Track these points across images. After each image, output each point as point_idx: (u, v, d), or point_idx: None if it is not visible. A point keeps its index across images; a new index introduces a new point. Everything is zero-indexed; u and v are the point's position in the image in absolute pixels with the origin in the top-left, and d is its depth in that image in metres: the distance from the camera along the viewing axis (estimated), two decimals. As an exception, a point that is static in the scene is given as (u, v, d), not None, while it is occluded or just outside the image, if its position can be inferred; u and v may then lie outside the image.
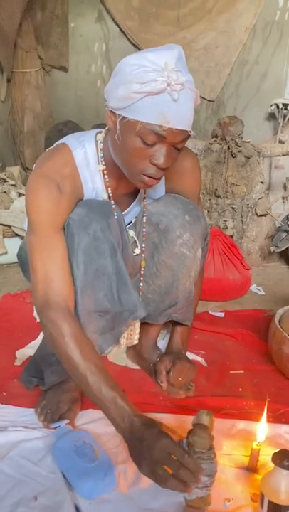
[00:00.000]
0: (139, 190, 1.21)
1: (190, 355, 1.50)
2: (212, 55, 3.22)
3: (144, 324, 1.35)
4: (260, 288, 2.22)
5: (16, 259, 2.34)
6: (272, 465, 0.88)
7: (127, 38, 3.33)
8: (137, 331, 1.29)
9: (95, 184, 1.11)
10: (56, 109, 3.53)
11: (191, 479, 0.83)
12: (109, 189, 1.13)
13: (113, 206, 1.14)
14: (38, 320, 1.67)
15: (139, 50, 3.32)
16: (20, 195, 2.55)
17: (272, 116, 3.05)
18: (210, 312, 1.92)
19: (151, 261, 1.27)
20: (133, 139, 0.95)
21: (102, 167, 1.09)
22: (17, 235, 2.32)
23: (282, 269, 2.54)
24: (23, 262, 1.27)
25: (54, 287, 1.01)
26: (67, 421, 1.16)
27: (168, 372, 1.32)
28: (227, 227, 2.50)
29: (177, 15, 3.22)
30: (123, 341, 1.28)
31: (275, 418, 1.21)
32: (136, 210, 1.24)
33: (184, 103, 0.92)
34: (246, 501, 0.98)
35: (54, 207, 1.03)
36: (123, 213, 1.20)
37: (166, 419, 1.21)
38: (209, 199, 2.55)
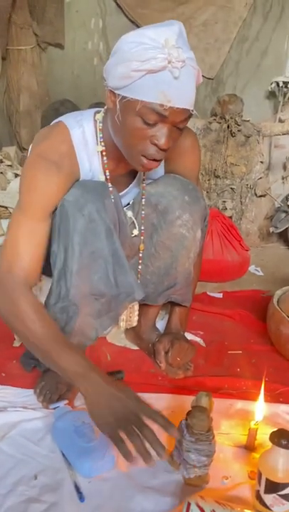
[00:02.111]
0: (137, 171, 1.19)
1: (188, 336, 1.50)
2: (211, 31, 3.15)
3: (142, 305, 1.34)
4: (258, 269, 2.22)
5: (13, 241, 2.34)
6: (269, 444, 0.89)
7: (124, 13, 3.25)
8: (136, 312, 1.28)
9: (92, 165, 1.09)
10: (53, 88, 3.47)
11: (147, 458, 0.81)
12: (107, 171, 1.11)
13: (110, 189, 1.13)
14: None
15: (137, 26, 3.24)
16: (16, 175, 2.52)
17: (272, 95, 3.00)
18: (208, 293, 1.92)
19: (150, 242, 1.25)
20: (133, 118, 0.93)
21: (101, 148, 1.07)
22: (14, 216, 2.30)
23: (281, 249, 2.54)
24: None
25: (20, 263, 1.00)
26: (66, 401, 1.17)
27: (166, 353, 1.32)
28: (226, 208, 2.48)
29: (176, -11, 3.14)
30: (122, 323, 1.27)
31: (273, 398, 1.22)
32: (134, 192, 1.22)
33: (185, 81, 0.90)
34: (244, 479, 0.99)
35: (50, 190, 1.02)
36: (121, 194, 1.18)
37: (165, 399, 1.22)
38: (208, 179, 2.52)
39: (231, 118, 2.44)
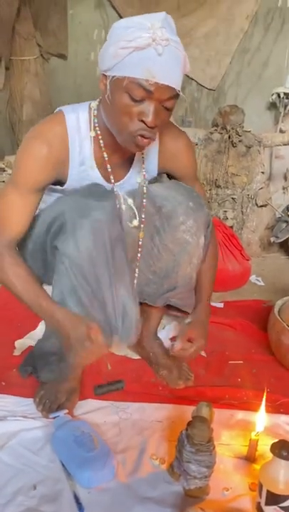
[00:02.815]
0: (133, 162, 1.20)
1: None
2: (213, 43, 3.18)
3: (144, 314, 1.34)
4: (259, 278, 2.22)
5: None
6: (270, 455, 0.89)
7: (127, 25, 3.29)
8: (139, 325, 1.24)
9: (82, 149, 1.12)
10: (55, 97, 3.49)
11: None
12: (105, 155, 1.13)
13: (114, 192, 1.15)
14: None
15: (139, 37, 3.29)
16: (19, 184, 2.53)
17: (273, 106, 3.01)
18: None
19: (152, 242, 1.24)
20: (121, 95, 0.98)
21: (94, 133, 1.11)
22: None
23: (281, 259, 2.54)
24: None
25: (6, 230, 1.10)
26: (66, 411, 1.17)
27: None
28: (227, 218, 2.49)
29: (177, 1, 3.17)
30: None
31: (274, 408, 1.22)
32: (132, 181, 1.22)
33: (169, 59, 0.95)
34: (245, 491, 0.98)
35: (38, 168, 1.07)
36: (118, 183, 1.19)
37: (165, 409, 1.22)
38: (209, 189, 2.53)
39: (232, 128, 2.45)
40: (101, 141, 1.12)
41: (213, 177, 2.51)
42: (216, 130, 2.54)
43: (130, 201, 1.21)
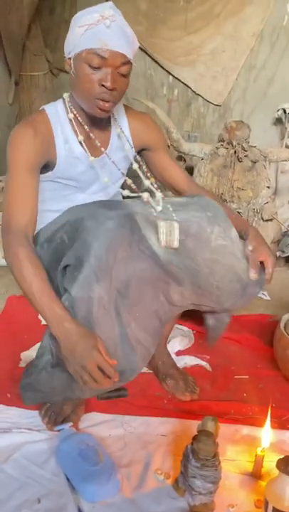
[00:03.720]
0: (111, 134, 1.32)
1: (194, 360, 1.50)
2: (219, 60, 3.22)
3: None
4: (265, 293, 2.21)
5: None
6: (276, 471, 0.88)
7: (135, 42, 3.34)
8: (177, 231, 1.23)
9: (64, 129, 1.26)
10: (63, 112, 3.55)
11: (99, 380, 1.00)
12: (86, 127, 1.25)
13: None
14: (43, 322, 1.68)
15: (147, 54, 3.33)
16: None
17: (279, 121, 3.04)
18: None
19: (194, 263, 1.26)
20: (82, 66, 1.14)
21: (71, 115, 1.25)
22: (23, 237, 2.32)
23: (288, 274, 2.53)
24: None
25: (16, 216, 1.16)
26: (70, 424, 1.16)
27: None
28: (233, 232, 2.49)
29: (185, 19, 3.23)
30: (163, 238, 1.21)
31: (280, 424, 1.21)
32: (117, 145, 1.34)
33: (117, 31, 1.13)
34: (250, 507, 0.97)
35: (27, 147, 1.18)
36: (107, 151, 1.30)
37: (170, 423, 1.22)
38: (215, 203, 2.54)
39: (238, 144, 2.47)
40: (79, 118, 1.25)
41: (218, 191, 2.52)
42: (222, 145, 2.55)
43: (135, 165, 1.31)
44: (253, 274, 1.25)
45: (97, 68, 1.14)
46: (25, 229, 1.17)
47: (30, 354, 1.51)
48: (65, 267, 1.15)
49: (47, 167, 1.25)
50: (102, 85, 1.15)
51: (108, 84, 1.14)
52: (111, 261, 1.10)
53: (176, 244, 1.22)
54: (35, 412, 1.23)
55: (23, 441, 1.11)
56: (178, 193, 1.47)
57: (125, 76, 1.18)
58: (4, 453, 1.08)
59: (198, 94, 3.35)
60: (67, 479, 1.01)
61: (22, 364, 1.46)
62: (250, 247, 1.28)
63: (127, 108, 1.38)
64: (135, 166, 1.31)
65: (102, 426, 1.19)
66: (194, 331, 1.71)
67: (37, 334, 1.62)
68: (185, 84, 3.33)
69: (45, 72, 3.41)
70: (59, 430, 1.14)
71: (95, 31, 1.12)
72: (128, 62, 1.16)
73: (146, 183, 1.30)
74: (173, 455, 1.11)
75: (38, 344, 1.55)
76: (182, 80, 3.31)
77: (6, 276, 2.26)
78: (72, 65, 1.17)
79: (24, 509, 0.94)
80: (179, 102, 3.43)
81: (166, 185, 1.49)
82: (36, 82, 3.39)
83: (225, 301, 1.30)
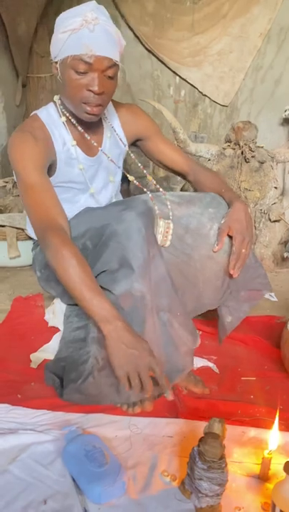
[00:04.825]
0: (104, 132, 1.35)
1: (201, 361, 1.49)
2: (226, 60, 3.22)
3: None
4: (272, 294, 2.20)
5: (29, 262, 2.37)
6: (283, 474, 0.87)
7: (142, 43, 3.35)
8: (171, 231, 1.27)
9: (60, 132, 1.27)
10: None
11: (143, 391, 1.03)
12: (80, 128, 1.27)
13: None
14: (49, 324, 1.69)
15: (153, 55, 3.34)
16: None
17: (286, 122, 3.03)
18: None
19: (191, 259, 1.28)
20: (69, 72, 1.15)
21: (64, 118, 1.27)
22: (30, 238, 2.33)
23: (295, 275, 2.52)
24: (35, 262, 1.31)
25: (51, 216, 1.16)
26: (77, 425, 1.16)
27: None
28: (240, 233, 2.48)
29: (191, 20, 3.23)
30: (159, 237, 1.26)
31: (287, 426, 1.20)
32: (111, 141, 1.36)
33: (101, 34, 1.12)
34: (257, 510, 0.97)
35: (32, 149, 1.19)
36: (102, 149, 1.32)
37: (176, 424, 1.21)
38: (222, 204, 2.53)
39: (245, 144, 2.47)
40: (73, 120, 1.26)
41: (226, 192, 2.51)
42: (229, 146, 2.55)
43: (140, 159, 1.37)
44: (217, 247, 1.24)
45: (83, 73, 1.14)
46: (64, 225, 1.16)
47: (39, 356, 1.51)
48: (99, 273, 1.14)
49: (49, 171, 1.26)
50: (90, 90, 1.15)
51: (95, 88, 1.14)
52: (147, 259, 1.10)
53: (167, 244, 1.27)
54: (42, 411, 1.23)
55: (30, 442, 1.11)
56: (181, 175, 1.48)
57: (112, 78, 1.18)
58: (11, 454, 1.08)
59: (205, 95, 3.35)
60: (74, 480, 1.01)
61: (33, 365, 1.47)
62: (222, 221, 1.27)
63: (115, 103, 1.39)
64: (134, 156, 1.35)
65: (109, 427, 1.19)
66: (200, 332, 1.70)
67: (44, 335, 1.63)
68: (192, 85, 3.34)
69: (52, 73, 3.42)
70: (66, 431, 1.14)
71: (79, 36, 1.11)
72: (114, 65, 1.16)
73: (131, 178, 1.32)
74: (179, 457, 1.10)
75: (46, 345, 1.57)
76: (189, 81, 3.31)
77: (12, 277, 2.28)
78: (58, 70, 1.18)
79: (30, 510, 0.94)
80: (185, 103, 3.43)
81: (168, 171, 1.50)
82: (43, 84, 3.40)
83: (206, 297, 1.32)
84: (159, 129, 1.48)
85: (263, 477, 1.05)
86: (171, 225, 1.26)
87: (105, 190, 1.39)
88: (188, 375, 1.37)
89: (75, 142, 1.27)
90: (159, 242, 1.23)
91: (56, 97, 1.30)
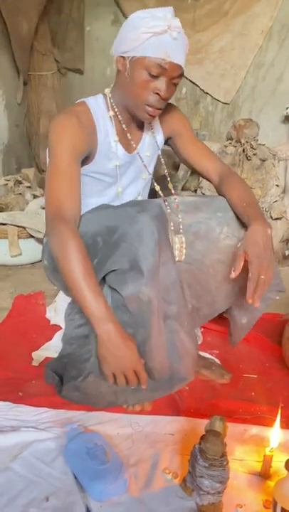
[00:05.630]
0: (143, 131, 1.36)
1: (204, 355, 1.50)
2: (228, 58, 3.21)
3: None
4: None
5: (30, 261, 2.37)
6: (285, 472, 0.87)
7: (143, 40, 3.34)
8: (184, 245, 1.28)
9: (105, 126, 1.27)
10: (71, 112, 3.56)
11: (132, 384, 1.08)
12: (124, 126, 1.28)
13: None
14: (51, 322, 1.69)
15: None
16: (35, 196, 2.56)
17: (288, 119, 3.02)
18: (224, 315, 1.91)
19: (203, 265, 1.28)
20: (141, 72, 1.16)
21: (112, 113, 1.27)
22: (32, 236, 2.33)
23: (297, 273, 2.52)
24: (49, 264, 1.29)
25: (65, 206, 1.14)
26: (78, 423, 1.16)
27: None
28: (241, 231, 2.48)
29: (193, 18, 3.22)
30: (176, 253, 1.27)
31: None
32: (148, 142, 1.37)
33: (180, 43, 1.15)
34: (258, 508, 0.97)
35: (75, 134, 1.18)
36: (139, 148, 1.34)
37: (178, 422, 1.21)
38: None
39: (247, 142, 2.46)
40: (120, 117, 1.28)
41: (227, 190, 2.51)
42: (230, 143, 2.55)
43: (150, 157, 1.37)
44: (233, 274, 1.12)
45: (155, 77, 1.16)
46: (75, 218, 1.16)
47: (41, 354, 1.52)
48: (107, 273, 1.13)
49: (85, 160, 1.26)
50: (157, 93, 1.18)
51: (163, 93, 1.17)
52: (157, 263, 1.10)
53: (183, 258, 1.29)
54: (43, 409, 1.23)
55: (32, 440, 1.12)
56: (208, 180, 1.45)
57: (176, 85, 1.22)
58: (12, 451, 1.08)
59: (206, 93, 3.34)
60: (75, 478, 1.02)
61: (34, 363, 1.47)
62: (238, 244, 1.18)
63: None
64: (147, 154, 1.36)
65: (110, 424, 1.20)
66: (202, 329, 1.70)
67: (45, 333, 1.63)
68: (193, 83, 3.33)
69: (54, 71, 3.41)
70: (67, 429, 1.14)
71: (161, 41, 1.13)
72: (182, 74, 1.20)
73: (157, 188, 1.34)
74: (181, 454, 1.11)
75: (48, 343, 1.57)
76: (190, 79, 3.30)
77: (14, 275, 2.28)
78: (127, 65, 1.18)
79: (32, 507, 0.94)
80: (187, 101, 3.42)
81: (195, 172, 1.48)
82: (44, 82, 3.39)
83: (218, 301, 1.32)
84: (191, 130, 1.47)
85: (264, 475, 1.05)
86: (184, 239, 1.27)
87: (134, 187, 1.39)
88: (211, 371, 1.42)
89: (117, 138, 1.28)
90: (176, 259, 1.26)
91: (107, 90, 1.30)
